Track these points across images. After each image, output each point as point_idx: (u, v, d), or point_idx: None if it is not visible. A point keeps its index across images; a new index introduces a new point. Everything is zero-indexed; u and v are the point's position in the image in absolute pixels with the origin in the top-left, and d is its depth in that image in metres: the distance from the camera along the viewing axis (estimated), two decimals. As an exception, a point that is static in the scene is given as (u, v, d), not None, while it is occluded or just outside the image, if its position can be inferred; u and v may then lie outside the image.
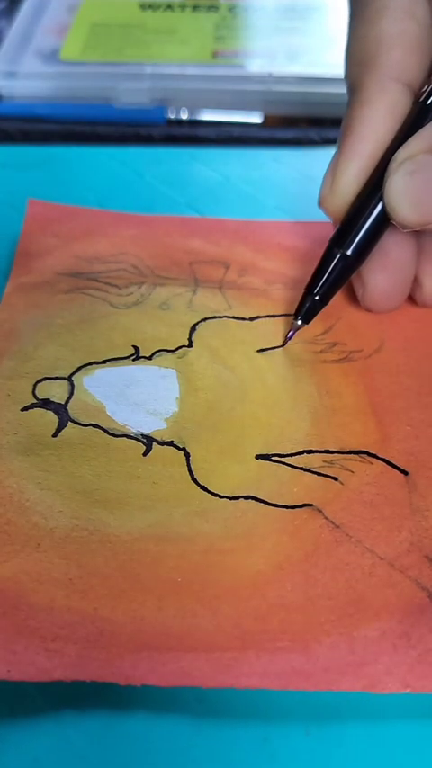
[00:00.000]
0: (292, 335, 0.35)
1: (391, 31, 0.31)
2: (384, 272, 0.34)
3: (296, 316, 0.34)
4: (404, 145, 0.30)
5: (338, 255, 0.33)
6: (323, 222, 0.41)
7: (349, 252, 0.32)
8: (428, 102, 0.31)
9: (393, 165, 0.30)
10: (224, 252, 0.40)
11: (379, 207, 0.31)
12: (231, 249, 0.40)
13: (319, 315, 0.35)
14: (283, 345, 0.35)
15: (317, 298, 0.33)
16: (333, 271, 0.33)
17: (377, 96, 0.32)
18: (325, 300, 0.34)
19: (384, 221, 0.32)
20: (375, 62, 0.32)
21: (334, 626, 0.26)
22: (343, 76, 0.34)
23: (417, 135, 0.30)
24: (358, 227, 0.32)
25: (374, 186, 0.32)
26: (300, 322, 0.34)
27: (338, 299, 0.37)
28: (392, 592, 0.27)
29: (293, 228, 0.41)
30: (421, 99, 0.32)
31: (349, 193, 0.32)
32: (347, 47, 0.33)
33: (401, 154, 0.30)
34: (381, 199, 0.31)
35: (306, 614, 0.26)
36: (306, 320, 0.34)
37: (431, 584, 0.27)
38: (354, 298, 0.37)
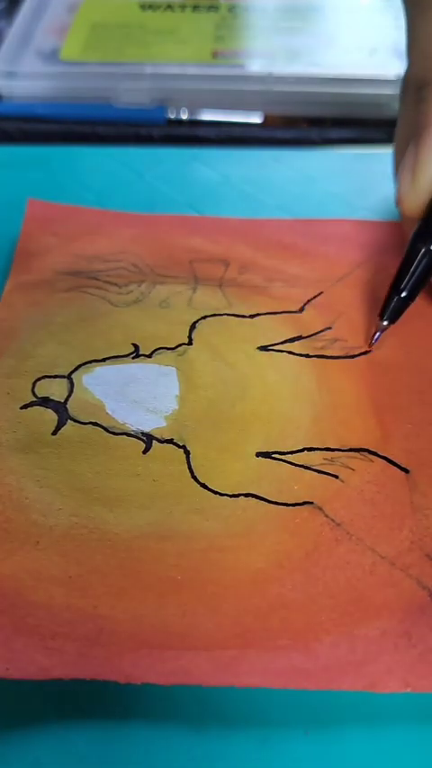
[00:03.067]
0: (378, 337, 0.34)
1: None
2: None
3: (381, 315, 0.34)
4: None
5: (424, 251, 0.33)
6: (323, 220, 0.41)
7: None
8: None
9: None
10: (224, 250, 0.40)
11: None
12: (231, 247, 0.40)
13: (320, 312, 0.34)
14: (369, 349, 0.34)
15: (404, 294, 0.33)
16: (419, 266, 0.33)
17: None
18: (412, 297, 0.34)
19: None
20: None
21: (335, 625, 0.25)
22: (403, 75, 0.35)
23: None
24: None
25: None
26: (386, 322, 0.34)
27: (340, 295, 0.37)
28: (393, 591, 0.26)
29: (293, 226, 0.41)
30: None
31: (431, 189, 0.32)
32: (414, 45, 0.34)
33: None
34: None
35: (307, 613, 0.26)
36: (392, 320, 0.34)
37: None
38: (354, 297, 0.37)
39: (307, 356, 0.34)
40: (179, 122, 0.51)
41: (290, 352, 0.35)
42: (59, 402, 0.32)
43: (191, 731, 0.24)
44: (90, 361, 0.34)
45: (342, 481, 0.30)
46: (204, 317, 0.36)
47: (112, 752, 0.24)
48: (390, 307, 0.34)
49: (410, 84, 0.34)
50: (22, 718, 0.25)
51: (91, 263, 0.39)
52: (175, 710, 0.25)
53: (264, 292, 0.37)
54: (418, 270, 0.33)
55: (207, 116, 0.51)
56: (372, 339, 0.34)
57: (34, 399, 0.32)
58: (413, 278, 0.33)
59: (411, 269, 0.33)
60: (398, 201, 0.33)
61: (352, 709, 0.25)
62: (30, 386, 0.33)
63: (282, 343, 0.35)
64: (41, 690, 0.25)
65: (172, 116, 0.51)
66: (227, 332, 0.35)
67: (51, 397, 0.32)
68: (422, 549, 0.28)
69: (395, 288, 0.33)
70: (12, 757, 0.24)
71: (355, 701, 0.25)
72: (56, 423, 0.31)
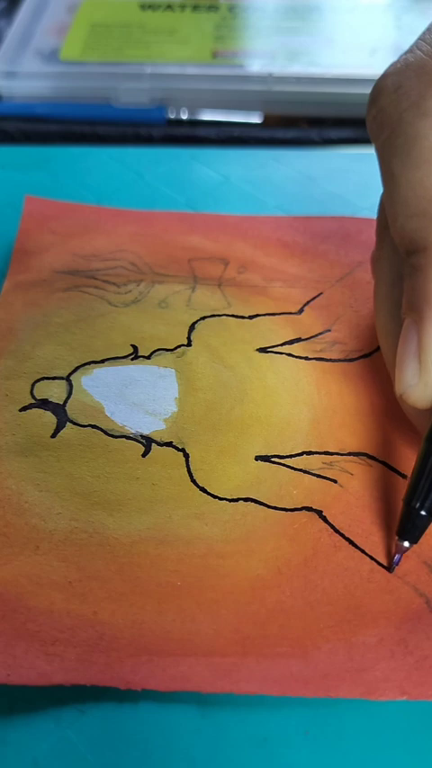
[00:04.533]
0: (398, 560, 0.28)
1: None
2: None
3: (400, 535, 0.27)
4: None
5: None
6: (323, 217, 0.41)
7: None
8: None
9: None
10: (223, 248, 0.40)
11: None
12: (230, 245, 0.40)
13: (319, 314, 0.34)
14: (390, 570, 0.28)
15: (423, 512, 0.27)
16: None
17: None
18: None
19: None
20: None
21: (333, 632, 0.26)
22: (388, 227, 0.29)
23: None
24: None
25: None
26: (407, 544, 0.27)
27: (339, 296, 0.37)
28: (390, 598, 0.27)
29: (293, 224, 0.41)
30: None
31: None
32: (394, 195, 0.27)
33: None
34: None
35: (305, 620, 0.26)
36: (413, 540, 0.27)
37: (429, 591, 0.27)
38: (353, 298, 0.37)
39: (306, 358, 0.34)
40: (179, 122, 0.51)
41: (289, 354, 0.34)
42: (58, 404, 0.32)
43: (190, 731, 0.25)
44: (89, 363, 0.34)
45: (341, 486, 0.30)
46: (203, 318, 0.36)
47: (111, 752, 0.24)
48: (408, 526, 0.27)
49: (396, 243, 0.28)
50: (20, 718, 0.25)
51: (89, 261, 0.39)
52: (175, 710, 0.25)
53: (263, 292, 0.37)
54: None
55: (207, 116, 0.51)
56: (392, 561, 0.28)
57: (33, 401, 0.32)
58: None
59: (429, 480, 0.26)
60: (400, 394, 0.27)
61: (352, 709, 0.25)
62: (28, 387, 0.33)
63: (281, 345, 0.35)
64: (40, 690, 0.25)
65: (172, 116, 0.51)
66: (226, 333, 0.35)
67: (50, 399, 0.32)
68: (419, 556, 0.28)
69: (410, 501, 0.27)
70: (10, 757, 0.24)
71: (356, 701, 0.25)
72: (55, 425, 0.31)
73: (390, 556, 0.28)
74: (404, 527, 0.27)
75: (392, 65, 0.28)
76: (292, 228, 0.41)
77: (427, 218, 0.26)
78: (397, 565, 0.28)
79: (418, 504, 0.26)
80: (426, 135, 0.26)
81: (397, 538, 0.27)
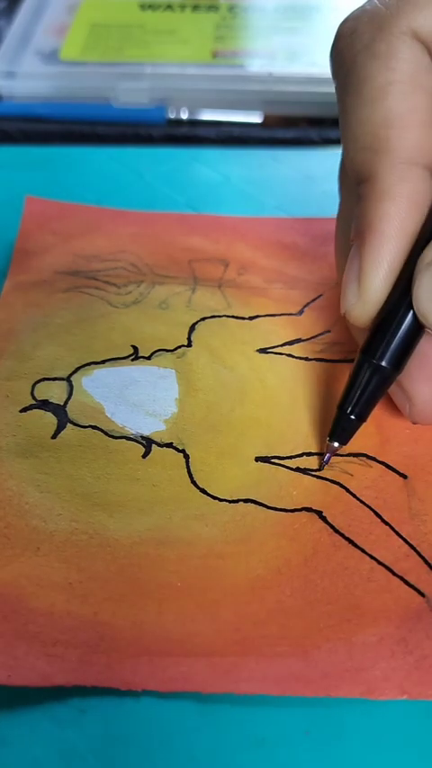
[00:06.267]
0: (328, 459, 0.31)
1: (400, 108, 0.27)
2: (430, 382, 0.30)
3: (331, 436, 0.30)
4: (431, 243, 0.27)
5: (372, 367, 0.28)
6: (323, 219, 0.41)
7: (384, 362, 0.28)
8: None
9: (420, 265, 0.27)
10: (223, 249, 0.40)
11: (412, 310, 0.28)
12: (231, 247, 0.40)
13: (319, 315, 0.34)
14: (319, 469, 0.31)
15: (352, 417, 0.29)
16: (368, 385, 0.29)
17: (396, 187, 0.27)
18: (362, 418, 0.29)
19: (421, 325, 0.28)
20: (387, 146, 0.27)
21: (333, 631, 0.26)
22: (343, 164, 0.30)
23: None
24: (391, 335, 0.28)
25: (405, 287, 0.27)
26: (336, 444, 0.30)
27: (338, 300, 0.36)
28: (390, 597, 0.27)
29: (293, 225, 0.41)
30: None
31: (380, 300, 0.28)
32: (346, 131, 0.29)
33: (429, 253, 0.27)
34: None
35: (305, 619, 0.26)
36: (343, 441, 0.30)
37: (429, 589, 0.27)
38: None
39: (306, 359, 0.34)
40: (179, 122, 0.51)
41: (289, 355, 0.35)
42: (59, 405, 0.32)
43: (190, 731, 0.25)
44: (89, 363, 0.34)
45: (341, 487, 0.30)
46: (203, 319, 0.36)
47: (111, 752, 0.24)
48: (339, 428, 0.30)
49: (347, 175, 0.30)
50: (20, 718, 0.25)
51: (89, 262, 0.39)
52: (174, 710, 0.25)
53: (263, 294, 0.37)
54: (368, 388, 0.29)
55: (207, 116, 0.51)
56: (322, 461, 0.31)
57: (34, 402, 0.32)
58: (362, 397, 0.29)
59: (360, 387, 0.29)
60: (344, 312, 0.29)
61: (352, 709, 0.25)
62: (29, 388, 0.33)
63: (281, 345, 0.35)
64: (40, 690, 0.25)
65: (172, 116, 0.51)
66: (226, 334, 0.35)
67: (51, 400, 0.32)
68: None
69: (343, 407, 0.29)
70: (10, 757, 0.24)
71: (356, 701, 0.25)
72: (55, 426, 0.31)
73: (321, 457, 0.31)
74: (335, 430, 0.30)
75: (352, 12, 0.30)
76: (292, 230, 0.41)
77: (371, 152, 0.28)
78: (327, 464, 0.31)
79: (349, 409, 0.29)
80: (374, 76, 0.28)
81: (328, 439, 0.30)
